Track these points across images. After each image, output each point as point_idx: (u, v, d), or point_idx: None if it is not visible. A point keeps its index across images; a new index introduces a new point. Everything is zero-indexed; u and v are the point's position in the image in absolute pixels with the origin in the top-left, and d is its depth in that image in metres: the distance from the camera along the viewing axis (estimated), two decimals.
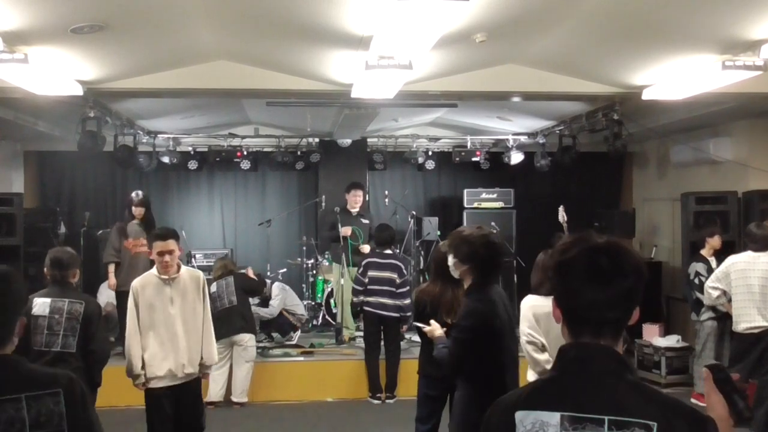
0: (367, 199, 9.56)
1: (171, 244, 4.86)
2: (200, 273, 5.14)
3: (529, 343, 4.21)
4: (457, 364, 3.79)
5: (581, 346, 1.69)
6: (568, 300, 1.72)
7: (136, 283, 4.91)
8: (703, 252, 7.86)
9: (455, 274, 3.86)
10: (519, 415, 1.66)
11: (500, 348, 3.73)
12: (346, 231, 8.92)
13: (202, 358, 5.02)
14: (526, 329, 4.23)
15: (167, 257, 4.84)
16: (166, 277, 4.89)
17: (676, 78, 6.30)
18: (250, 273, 8.47)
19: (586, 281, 1.67)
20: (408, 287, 7.75)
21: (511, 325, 3.91)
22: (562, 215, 8.28)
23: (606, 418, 1.58)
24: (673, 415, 1.59)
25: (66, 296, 4.62)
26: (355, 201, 9.23)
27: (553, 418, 1.62)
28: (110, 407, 6.69)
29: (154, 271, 4.93)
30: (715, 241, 7.81)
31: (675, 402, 1.64)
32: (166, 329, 4.87)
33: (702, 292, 7.27)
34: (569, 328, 1.73)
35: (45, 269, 4.76)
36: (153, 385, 4.89)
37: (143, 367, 4.87)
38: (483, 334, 3.66)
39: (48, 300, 4.57)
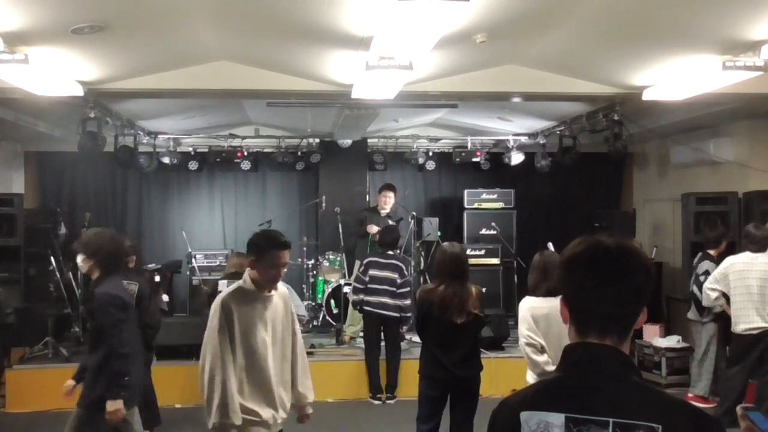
0: (395, 200, 9.71)
1: (288, 254, 3.89)
2: (285, 287, 4.14)
3: (528, 345, 4.21)
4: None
5: (587, 346, 1.69)
6: (575, 298, 1.72)
7: (227, 297, 3.78)
8: (711, 252, 7.82)
9: (84, 269, 4.41)
10: (524, 415, 1.66)
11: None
12: (371, 229, 9.15)
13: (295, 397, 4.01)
14: (525, 331, 4.23)
15: (283, 271, 3.86)
16: (268, 293, 3.86)
17: (676, 79, 6.30)
18: None
19: (594, 279, 1.68)
20: (409, 288, 7.76)
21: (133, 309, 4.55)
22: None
23: (611, 420, 1.58)
24: (677, 417, 1.59)
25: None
26: (384, 202, 9.52)
27: (558, 419, 1.62)
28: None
29: (245, 284, 3.83)
30: (721, 247, 7.72)
31: (680, 403, 1.65)
32: (262, 363, 3.78)
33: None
34: (576, 327, 1.72)
35: None
36: None
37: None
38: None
39: None
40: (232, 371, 3.67)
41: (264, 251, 3.79)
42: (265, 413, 3.77)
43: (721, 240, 7.73)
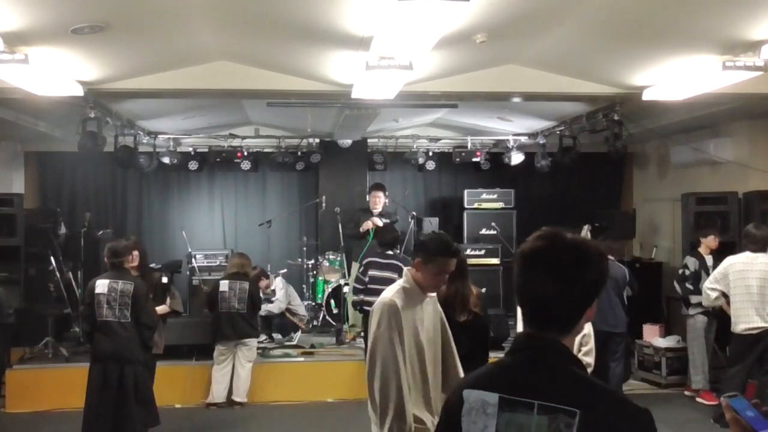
0: (385, 199, 9.67)
1: (455, 261, 3.74)
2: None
3: None
4: None
5: (529, 336, 1.78)
6: (526, 290, 1.79)
7: (393, 298, 3.53)
8: (700, 249, 8.00)
9: None
10: (466, 392, 1.79)
11: None
12: (367, 224, 9.14)
13: None
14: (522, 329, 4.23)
15: (446, 277, 3.74)
16: (432, 294, 3.73)
17: (676, 78, 6.30)
18: (263, 284, 8.50)
19: (540, 276, 1.74)
20: None
21: None
22: (586, 233, 8.59)
23: (536, 402, 1.67)
24: (600, 405, 1.65)
25: (120, 278, 5.64)
26: (374, 202, 9.50)
27: (493, 398, 1.74)
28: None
29: (408, 285, 3.63)
30: (709, 241, 7.90)
31: (611, 393, 1.71)
32: (423, 366, 3.65)
33: (684, 283, 7.70)
34: (525, 317, 1.80)
35: (105, 257, 5.80)
36: None
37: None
38: None
39: (106, 281, 5.63)
40: (405, 376, 3.47)
41: (436, 255, 3.58)
42: (428, 420, 3.60)
43: (706, 236, 8.00)
